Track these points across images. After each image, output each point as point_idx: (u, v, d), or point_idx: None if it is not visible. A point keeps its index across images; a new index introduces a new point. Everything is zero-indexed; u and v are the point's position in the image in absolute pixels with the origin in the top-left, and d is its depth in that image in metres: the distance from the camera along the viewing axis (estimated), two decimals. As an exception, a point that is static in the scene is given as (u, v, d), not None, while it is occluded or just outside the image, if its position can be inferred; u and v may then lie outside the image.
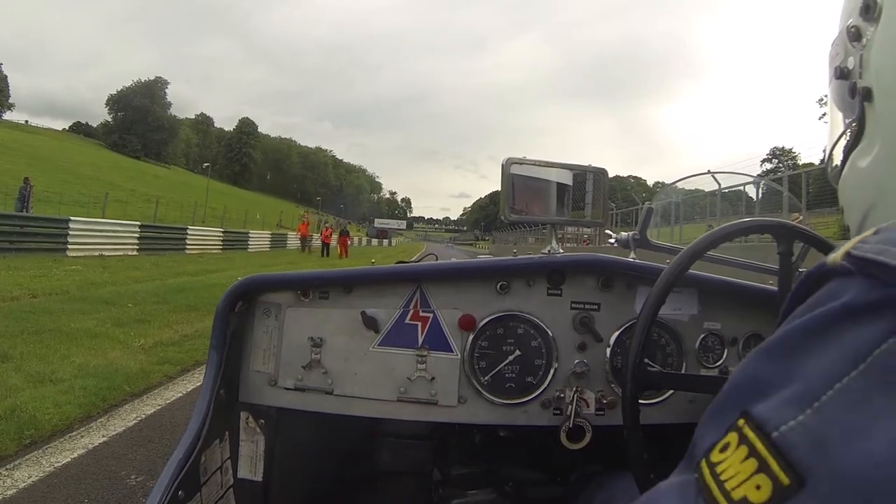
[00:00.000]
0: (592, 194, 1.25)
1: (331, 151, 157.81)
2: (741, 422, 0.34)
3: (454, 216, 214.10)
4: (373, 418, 1.24)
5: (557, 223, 1.29)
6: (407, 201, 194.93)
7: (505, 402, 1.19)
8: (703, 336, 1.24)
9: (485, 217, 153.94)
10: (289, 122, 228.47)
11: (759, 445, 0.31)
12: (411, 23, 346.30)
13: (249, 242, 27.34)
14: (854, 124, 0.57)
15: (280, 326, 1.22)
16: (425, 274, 1.22)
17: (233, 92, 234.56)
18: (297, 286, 1.22)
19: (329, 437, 1.52)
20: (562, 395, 1.19)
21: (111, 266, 12.12)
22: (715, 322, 1.24)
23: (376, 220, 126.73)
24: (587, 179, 1.26)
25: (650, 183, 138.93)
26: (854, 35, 0.56)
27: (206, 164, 60.75)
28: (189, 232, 21.59)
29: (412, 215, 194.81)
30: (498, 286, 1.21)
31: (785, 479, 0.30)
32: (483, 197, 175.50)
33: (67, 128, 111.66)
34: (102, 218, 18.30)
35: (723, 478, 0.33)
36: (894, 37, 0.51)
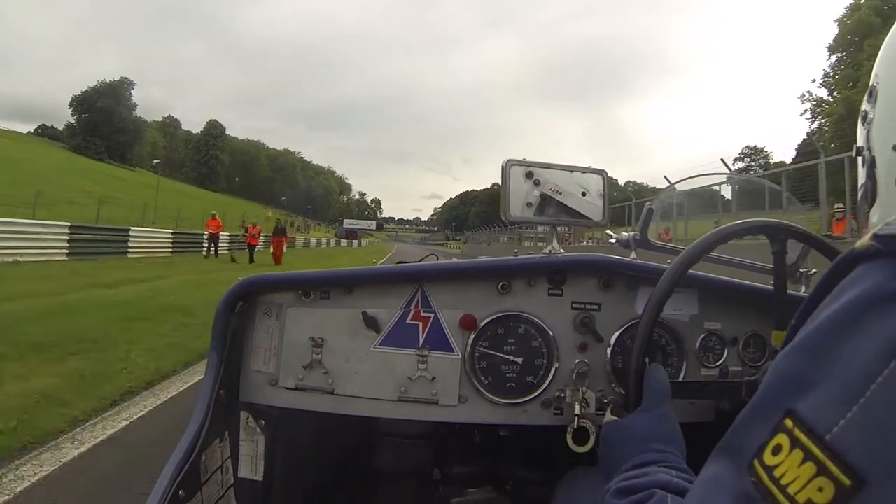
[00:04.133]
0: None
1: (299, 153, 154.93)
2: (789, 422, 0.34)
3: (425, 216, 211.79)
4: (373, 418, 1.23)
5: (557, 223, 1.27)
6: (377, 202, 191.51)
7: (505, 401, 1.19)
8: (703, 336, 1.25)
9: (455, 217, 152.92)
10: (261, 125, 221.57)
11: (815, 449, 0.32)
12: (382, 24, 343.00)
13: (205, 244, 23.14)
14: (870, 187, 0.67)
15: (281, 326, 1.21)
16: (426, 274, 1.22)
17: (203, 96, 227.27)
18: (298, 286, 1.22)
19: (330, 436, 1.51)
20: (562, 395, 1.18)
21: (13, 275, 10.06)
22: (715, 322, 1.25)
23: (345, 221, 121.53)
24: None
25: (622, 182, 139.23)
26: (864, 117, 0.67)
27: (155, 161, 56.15)
28: (132, 233, 18.97)
29: (383, 216, 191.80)
30: (499, 286, 1.21)
31: (846, 481, 0.30)
32: (454, 197, 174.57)
33: (33, 130, 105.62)
34: (33, 219, 15.83)
35: (783, 482, 0.33)
36: (883, 115, 0.63)
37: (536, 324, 1.21)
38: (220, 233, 22.13)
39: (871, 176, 0.65)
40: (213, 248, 21.52)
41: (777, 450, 0.34)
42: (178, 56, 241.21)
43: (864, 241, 0.37)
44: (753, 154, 77.50)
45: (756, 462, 0.35)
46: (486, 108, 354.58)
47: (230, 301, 1.16)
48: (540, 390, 1.19)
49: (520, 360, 1.20)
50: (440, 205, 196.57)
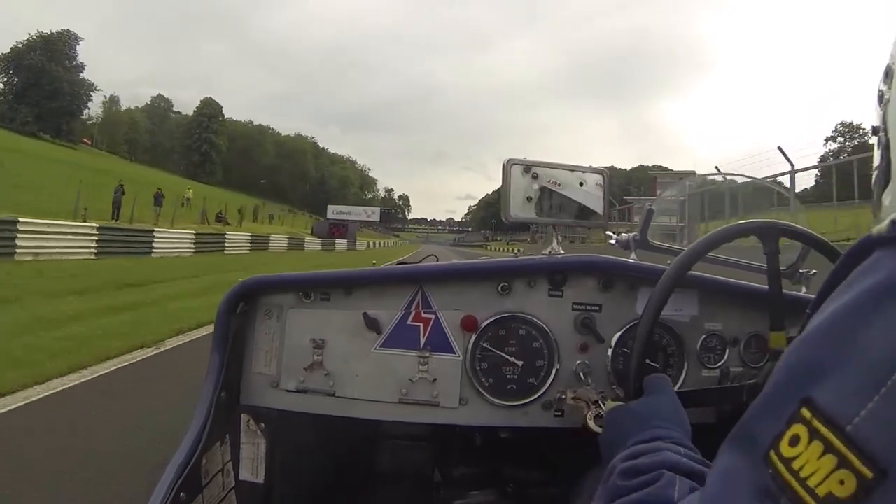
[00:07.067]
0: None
1: (312, 138, 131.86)
2: (806, 412, 0.33)
3: (458, 217, 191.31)
4: (374, 420, 1.24)
5: (558, 223, 1.28)
6: (405, 199, 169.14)
7: (506, 403, 1.20)
8: (704, 337, 1.25)
9: (493, 214, 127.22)
10: (294, 126, 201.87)
11: (836, 441, 0.31)
12: (412, 22, 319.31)
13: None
14: (884, 169, 0.65)
15: (282, 328, 1.21)
16: (426, 275, 1.22)
17: (235, 98, 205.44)
18: (298, 287, 1.22)
19: (330, 439, 1.51)
20: (563, 397, 1.18)
21: None
22: (716, 322, 1.25)
23: (330, 208, 73.45)
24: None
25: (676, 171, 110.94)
26: (880, 97, 0.65)
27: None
28: None
29: (412, 216, 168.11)
30: (499, 287, 1.21)
31: (868, 473, 0.30)
32: (490, 193, 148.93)
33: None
34: None
35: (803, 475, 0.33)
36: None
37: (537, 325, 1.21)
38: None
39: (886, 158, 0.63)
40: None
41: (794, 440, 0.33)
42: (206, 57, 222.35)
43: (882, 227, 0.36)
44: (849, 132, 66.29)
45: (772, 454, 0.34)
46: (521, 105, 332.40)
47: (231, 302, 1.15)
48: (541, 392, 1.20)
49: (520, 362, 1.20)
50: (474, 203, 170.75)
